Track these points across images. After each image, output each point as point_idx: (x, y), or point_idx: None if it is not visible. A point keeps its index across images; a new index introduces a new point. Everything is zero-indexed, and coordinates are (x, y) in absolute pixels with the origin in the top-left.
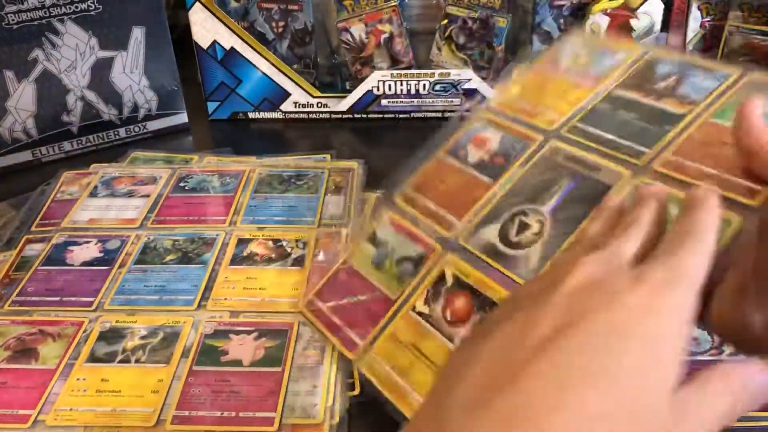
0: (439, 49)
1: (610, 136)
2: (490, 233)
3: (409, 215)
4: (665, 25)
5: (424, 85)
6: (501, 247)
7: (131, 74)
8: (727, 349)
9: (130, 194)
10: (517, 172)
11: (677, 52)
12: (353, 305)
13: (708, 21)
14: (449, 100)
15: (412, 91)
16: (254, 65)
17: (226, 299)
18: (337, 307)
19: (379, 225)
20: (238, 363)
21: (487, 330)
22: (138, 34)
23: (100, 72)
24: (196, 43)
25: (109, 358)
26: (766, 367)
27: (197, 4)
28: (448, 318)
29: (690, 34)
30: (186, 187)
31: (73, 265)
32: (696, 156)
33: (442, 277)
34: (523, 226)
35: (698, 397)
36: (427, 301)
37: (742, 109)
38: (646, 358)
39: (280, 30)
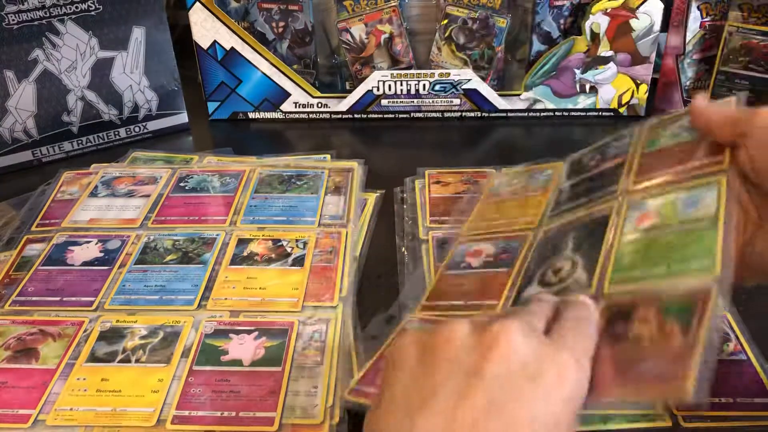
0: (439, 49)
1: (584, 198)
2: (533, 290)
3: (437, 314)
4: (665, 25)
5: (424, 85)
6: (552, 288)
7: (131, 74)
8: (726, 349)
9: (130, 194)
10: (529, 254)
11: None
12: None
13: (708, 21)
14: (449, 100)
15: (412, 91)
16: (254, 65)
17: (226, 299)
18: None
19: (409, 322)
20: (238, 363)
21: (428, 387)
22: (138, 34)
23: (101, 72)
24: (196, 43)
25: (109, 358)
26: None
27: (197, 4)
28: None
29: (690, 34)
30: (186, 187)
31: (73, 265)
32: (657, 167)
33: None
34: (557, 271)
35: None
36: None
37: (693, 102)
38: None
39: (281, 30)
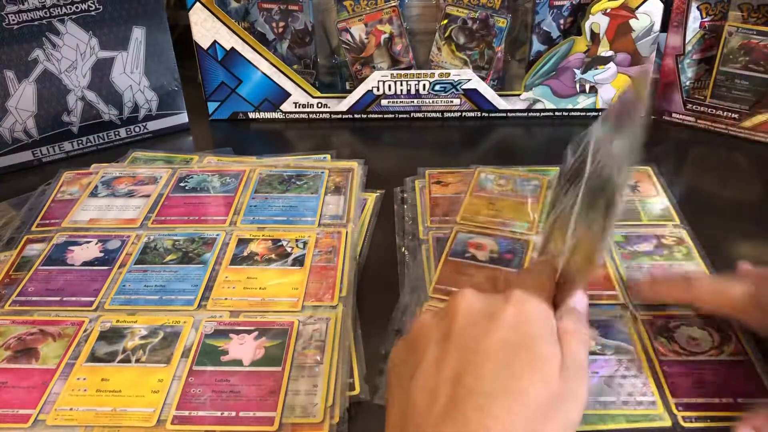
0: (439, 50)
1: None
2: None
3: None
4: (665, 25)
5: (424, 85)
6: None
7: (131, 74)
8: (727, 350)
9: (130, 194)
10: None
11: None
12: None
13: (707, 21)
14: (449, 100)
15: (412, 91)
16: (254, 65)
17: (226, 299)
18: None
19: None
20: (238, 363)
21: (413, 363)
22: (138, 34)
23: (101, 72)
24: (196, 43)
25: (109, 358)
26: (576, 294)
27: (197, 4)
28: None
29: (689, 34)
30: (186, 187)
31: (73, 265)
32: None
33: None
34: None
35: (569, 356)
36: None
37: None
38: (530, 353)
39: (281, 30)
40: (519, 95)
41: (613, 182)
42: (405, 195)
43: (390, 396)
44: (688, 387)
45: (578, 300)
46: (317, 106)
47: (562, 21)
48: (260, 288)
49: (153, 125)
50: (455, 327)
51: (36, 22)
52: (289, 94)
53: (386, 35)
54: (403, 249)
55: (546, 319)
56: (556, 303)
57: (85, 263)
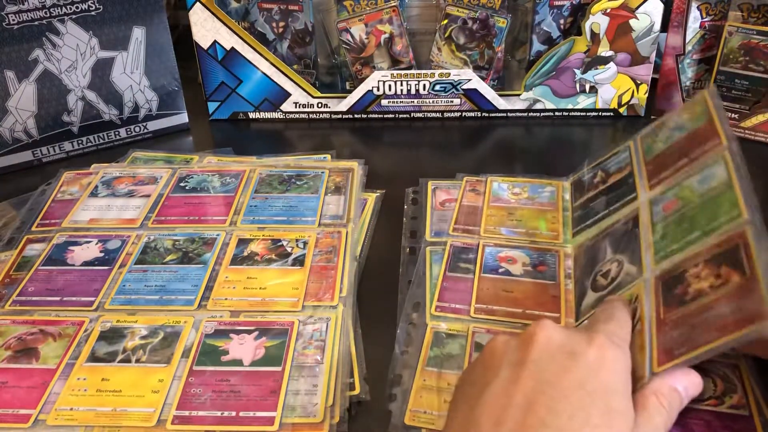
0: (439, 50)
1: (604, 211)
2: (590, 299)
3: (496, 318)
4: (665, 25)
5: (424, 85)
6: (605, 292)
7: (132, 74)
8: (728, 401)
9: (130, 194)
10: (572, 265)
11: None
12: None
13: (707, 21)
14: (449, 100)
15: (412, 91)
16: (254, 65)
17: (226, 299)
18: None
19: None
20: (238, 363)
21: (482, 383)
22: (138, 34)
23: (101, 72)
24: (196, 43)
25: (109, 358)
26: (686, 370)
27: (198, 4)
28: None
29: (689, 34)
30: (186, 187)
31: (73, 265)
32: (664, 167)
33: None
34: (605, 274)
35: (644, 417)
36: None
37: None
38: (606, 404)
39: (281, 30)
40: (519, 95)
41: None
42: (416, 196)
43: (453, 411)
44: None
45: (688, 382)
46: (317, 106)
47: (562, 21)
48: (260, 288)
49: (153, 125)
50: (532, 355)
51: (36, 22)
52: (289, 94)
53: (386, 35)
54: (407, 250)
55: (625, 373)
56: (663, 351)
57: (85, 263)
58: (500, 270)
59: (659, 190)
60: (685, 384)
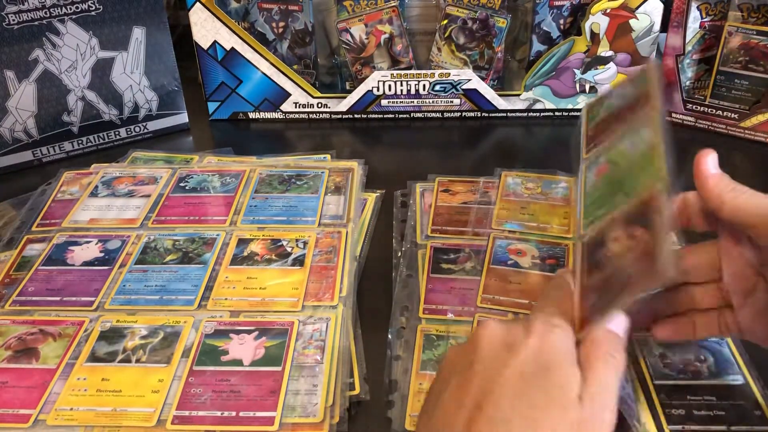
0: (439, 50)
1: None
2: None
3: (503, 309)
4: (665, 26)
5: (424, 85)
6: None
7: (132, 74)
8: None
9: (130, 194)
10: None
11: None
12: None
13: (707, 21)
14: (449, 100)
15: (412, 92)
16: (254, 65)
17: (226, 299)
18: None
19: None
20: (238, 363)
21: (437, 393)
22: (138, 34)
23: (101, 72)
24: (196, 44)
25: (109, 358)
26: (613, 321)
27: (198, 4)
28: None
29: (689, 35)
30: (186, 187)
31: (73, 265)
32: (602, 133)
33: None
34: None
35: (592, 373)
36: None
37: (696, 163)
38: (546, 382)
39: (281, 30)
40: (519, 95)
41: (649, 177)
42: (404, 199)
43: (418, 425)
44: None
45: (617, 322)
46: (317, 106)
47: (562, 21)
48: (260, 288)
49: (153, 125)
50: (477, 357)
51: (36, 22)
52: (289, 94)
53: (386, 35)
54: (399, 253)
55: (566, 347)
56: (584, 319)
57: (85, 263)
58: (509, 262)
59: (593, 155)
60: (615, 323)
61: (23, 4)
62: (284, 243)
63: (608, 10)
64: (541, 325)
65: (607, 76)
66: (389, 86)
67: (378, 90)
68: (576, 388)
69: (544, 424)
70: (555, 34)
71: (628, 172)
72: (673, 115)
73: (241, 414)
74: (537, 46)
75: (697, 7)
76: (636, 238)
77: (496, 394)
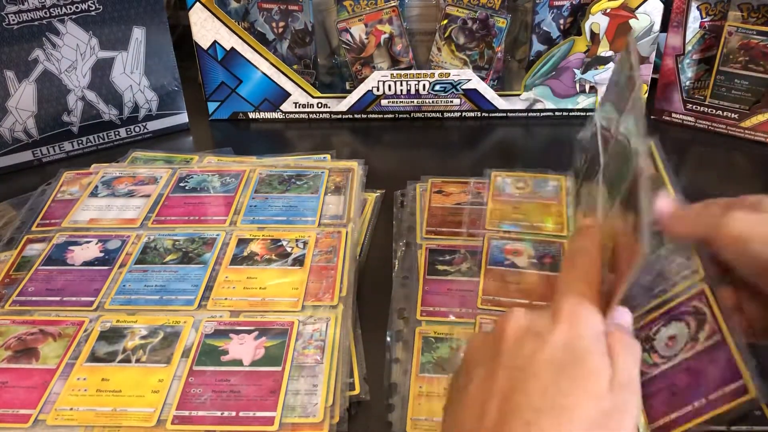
0: (439, 50)
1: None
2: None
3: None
4: (665, 26)
5: (424, 85)
6: None
7: (132, 74)
8: (702, 335)
9: (130, 194)
10: None
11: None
12: None
13: (707, 21)
14: (449, 100)
15: (412, 91)
16: (254, 65)
17: (226, 299)
18: None
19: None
20: (238, 363)
21: (463, 385)
22: (138, 34)
23: (101, 72)
24: (196, 44)
25: (109, 358)
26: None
27: (197, 4)
28: None
29: (689, 34)
30: (186, 187)
31: (73, 265)
32: None
33: None
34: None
35: (618, 362)
36: None
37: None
38: (580, 369)
39: (281, 30)
40: (519, 95)
41: (634, 156)
42: (404, 199)
43: (443, 423)
44: (664, 402)
45: (621, 315)
46: (317, 106)
47: (562, 21)
48: (260, 288)
49: (153, 125)
50: (503, 347)
51: (36, 22)
52: (289, 94)
53: (386, 35)
54: (399, 253)
55: (596, 334)
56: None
57: (85, 263)
58: (506, 262)
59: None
60: (625, 319)
61: (23, 4)
62: (284, 243)
63: (608, 10)
64: (568, 310)
65: (607, 76)
66: (389, 86)
67: (378, 90)
68: (607, 377)
69: (575, 414)
70: (555, 34)
71: (623, 163)
72: (673, 115)
73: (241, 414)
74: (537, 46)
75: (697, 7)
76: (628, 222)
77: (526, 384)
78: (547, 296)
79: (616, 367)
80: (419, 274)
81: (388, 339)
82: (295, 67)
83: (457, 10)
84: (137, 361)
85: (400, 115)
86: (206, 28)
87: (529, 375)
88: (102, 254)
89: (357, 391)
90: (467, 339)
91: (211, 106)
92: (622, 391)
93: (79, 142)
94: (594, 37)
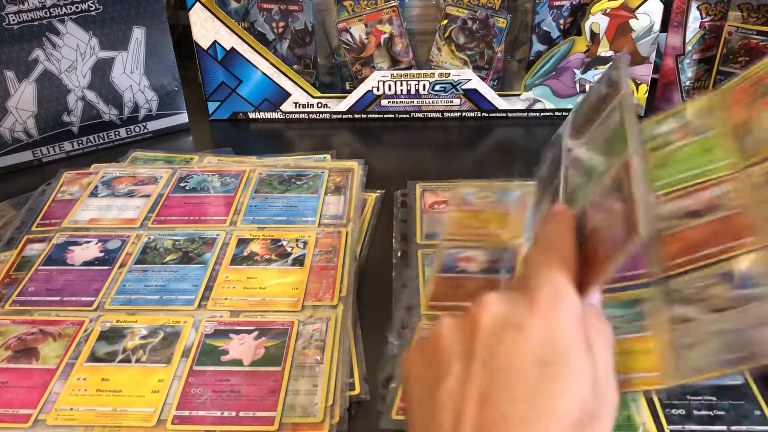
0: (439, 50)
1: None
2: None
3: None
4: (665, 25)
5: (424, 85)
6: None
7: (132, 74)
8: None
9: (130, 194)
10: None
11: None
12: None
13: (707, 21)
14: (449, 100)
15: (412, 91)
16: (254, 65)
17: (226, 299)
18: None
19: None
20: (238, 362)
21: (434, 380)
22: (138, 34)
23: (101, 72)
24: (196, 43)
25: (109, 358)
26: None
27: (197, 4)
28: None
29: (689, 35)
30: (186, 187)
31: (73, 265)
32: (584, 126)
33: None
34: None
35: (596, 365)
36: None
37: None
38: (565, 368)
39: (281, 30)
40: (519, 95)
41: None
42: (405, 199)
43: (410, 415)
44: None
45: (594, 296)
46: (317, 106)
47: (562, 21)
48: (260, 288)
49: (153, 125)
50: (479, 340)
51: (36, 22)
52: (289, 94)
53: (386, 35)
54: (398, 254)
55: (575, 321)
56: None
57: (85, 263)
58: (457, 269)
59: (577, 141)
60: (594, 299)
61: (23, 4)
62: (284, 243)
63: (608, 10)
64: (546, 296)
65: None
66: (389, 86)
67: (378, 90)
68: (590, 378)
69: (561, 420)
70: (555, 34)
71: (603, 153)
72: None
73: (241, 414)
74: (537, 46)
75: (697, 7)
76: (614, 210)
77: (507, 385)
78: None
79: (596, 361)
80: (421, 273)
81: (390, 338)
82: (295, 67)
83: (457, 10)
84: (137, 361)
85: (400, 115)
86: (206, 28)
87: (513, 375)
88: (102, 254)
89: (357, 391)
90: (436, 322)
91: (211, 106)
92: (602, 387)
93: (79, 142)
94: (594, 37)
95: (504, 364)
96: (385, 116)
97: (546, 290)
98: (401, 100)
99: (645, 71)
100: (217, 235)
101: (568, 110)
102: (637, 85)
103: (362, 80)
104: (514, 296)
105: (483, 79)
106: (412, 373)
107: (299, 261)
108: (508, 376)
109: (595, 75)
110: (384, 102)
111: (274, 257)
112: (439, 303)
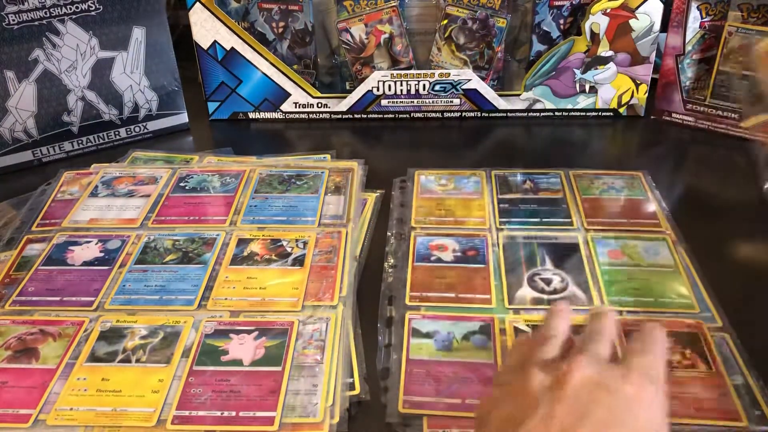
0: (439, 50)
1: (537, 219)
2: (525, 291)
3: (431, 305)
4: (665, 25)
5: (424, 85)
6: (546, 297)
7: (132, 74)
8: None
9: (130, 194)
10: (499, 253)
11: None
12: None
13: (707, 21)
14: (449, 100)
15: (412, 91)
16: (254, 65)
17: (226, 299)
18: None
19: (415, 321)
20: (238, 363)
21: (518, 419)
22: (138, 34)
23: (101, 72)
24: (196, 44)
25: (109, 358)
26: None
27: (197, 4)
28: None
29: (689, 34)
30: (186, 187)
31: (73, 265)
32: (600, 213)
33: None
34: (548, 282)
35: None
36: None
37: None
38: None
39: (281, 30)
40: (519, 95)
41: None
42: (397, 192)
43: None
44: None
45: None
46: (317, 106)
47: (562, 21)
48: (260, 288)
49: (153, 125)
50: (568, 391)
51: (36, 22)
52: (289, 94)
53: (386, 35)
54: (392, 241)
55: (661, 411)
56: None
57: (85, 263)
58: (432, 258)
59: (598, 232)
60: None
61: (23, 4)
62: (284, 243)
63: (608, 10)
64: (638, 377)
65: (607, 76)
66: (389, 86)
67: (378, 90)
68: None
69: None
70: (555, 34)
71: (653, 280)
72: (673, 115)
73: (241, 414)
74: (537, 46)
75: (697, 7)
76: (689, 359)
77: (585, 419)
78: (472, 288)
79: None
80: (409, 260)
81: (379, 325)
82: (295, 67)
83: (457, 10)
84: (137, 361)
85: (400, 115)
86: (206, 28)
87: (597, 426)
88: (102, 254)
89: (357, 391)
90: (524, 373)
91: (211, 106)
92: None
93: (79, 142)
94: (594, 37)
95: (589, 414)
96: (385, 116)
97: (638, 373)
98: (401, 100)
99: (645, 71)
100: (217, 235)
101: (568, 110)
102: (637, 85)
103: (362, 80)
104: (608, 366)
105: (483, 79)
106: (496, 414)
107: (299, 261)
108: (592, 425)
109: (595, 75)
110: (384, 102)
111: (274, 257)
112: (420, 293)
